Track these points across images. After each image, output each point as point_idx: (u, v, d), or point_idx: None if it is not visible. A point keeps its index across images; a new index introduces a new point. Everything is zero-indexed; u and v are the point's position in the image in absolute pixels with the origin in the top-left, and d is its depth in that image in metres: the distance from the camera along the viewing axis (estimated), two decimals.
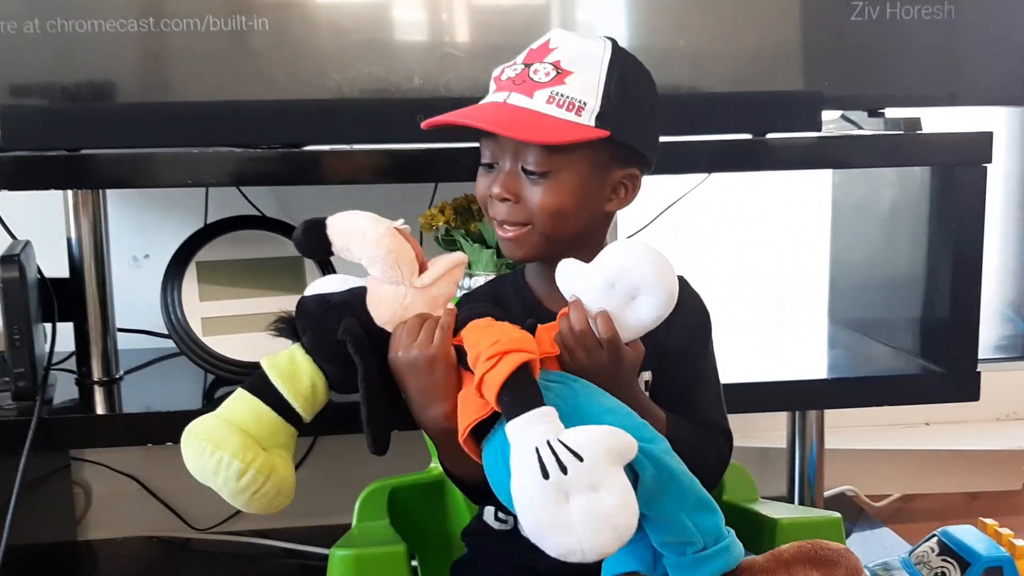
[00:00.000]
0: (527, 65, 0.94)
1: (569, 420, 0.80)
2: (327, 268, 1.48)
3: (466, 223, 1.46)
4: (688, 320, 0.97)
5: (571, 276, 0.89)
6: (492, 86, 0.98)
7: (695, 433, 0.97)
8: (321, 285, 0.96)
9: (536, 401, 0.79)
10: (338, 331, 0.90)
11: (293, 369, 0.90)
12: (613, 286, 0.87)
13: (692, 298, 1.01)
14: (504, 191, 0.95)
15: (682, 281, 0.99)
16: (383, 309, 0.91)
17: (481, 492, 0.89)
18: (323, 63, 1.38)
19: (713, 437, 0.99)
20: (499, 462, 0.81)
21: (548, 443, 0.76)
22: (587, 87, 0.93)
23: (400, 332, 0.91)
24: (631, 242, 0.91)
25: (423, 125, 0.99)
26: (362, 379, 0.89)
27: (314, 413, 0.92)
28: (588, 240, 0.98)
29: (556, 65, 0.93)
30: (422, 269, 0.94)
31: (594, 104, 0.93)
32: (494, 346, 0.82)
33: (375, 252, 0.90)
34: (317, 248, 0.94)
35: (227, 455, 0.85)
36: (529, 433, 0.78)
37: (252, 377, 0.92)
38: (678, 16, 1.43)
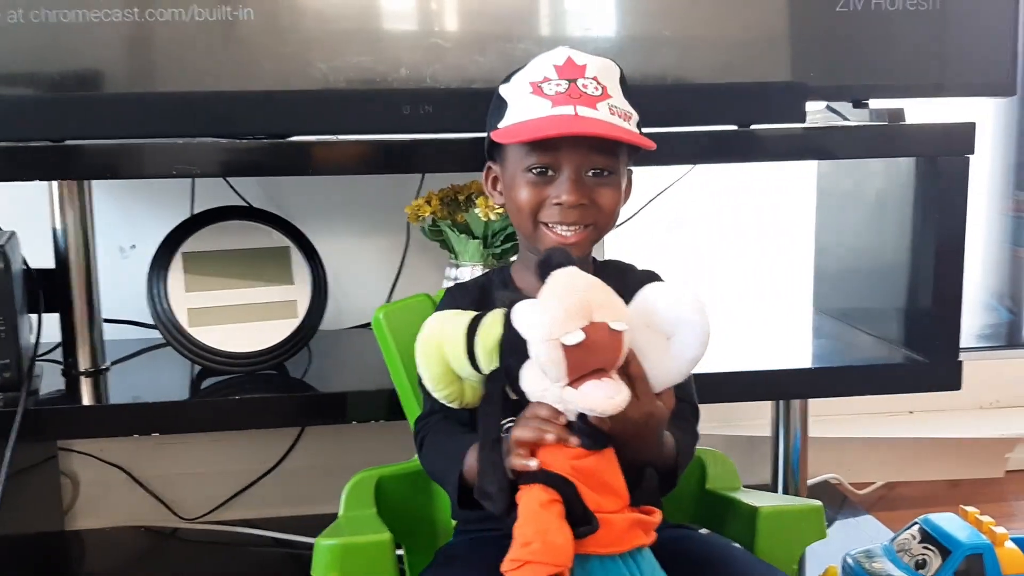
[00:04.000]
0: (571, 80, 1.01)
1: None
2: (316, 264, 1.49)
3: (453, 213, 1.46)
4: None
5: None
6: (537, 101, 1.02)
7: (689, 437, 1.03)
8: (524, 306, 0.92)
9: None
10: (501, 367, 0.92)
11: (494, 348, 0.93)
12: (647, 326, 0.91)
13: None
14: (581, 197, 1.01)
15: (652, 274, 1.10)
16: (527, 382, 0.91)
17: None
18: (309, 53, 1.37)
19: (693, 423, 1.05)
20: None
21: None
22: (622, 99, 1.04)
23: (526, 423, 0.90)
24: (661, 284, 0.97)
25: (502, 139, 1.04)
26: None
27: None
28: None
29: (596, 80, 1.02)
30: (586, 378, 0.89)
31: (634, 114, 1.05)
32: (523, 549, 0.83)
33: (532, 349, 0.89)
34: (539, 279, 0.92)
35: (427, 375, 0.96)
36: None
37: (477, 322, 0.94)
38: (663, 6, 1.43)
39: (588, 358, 0.87)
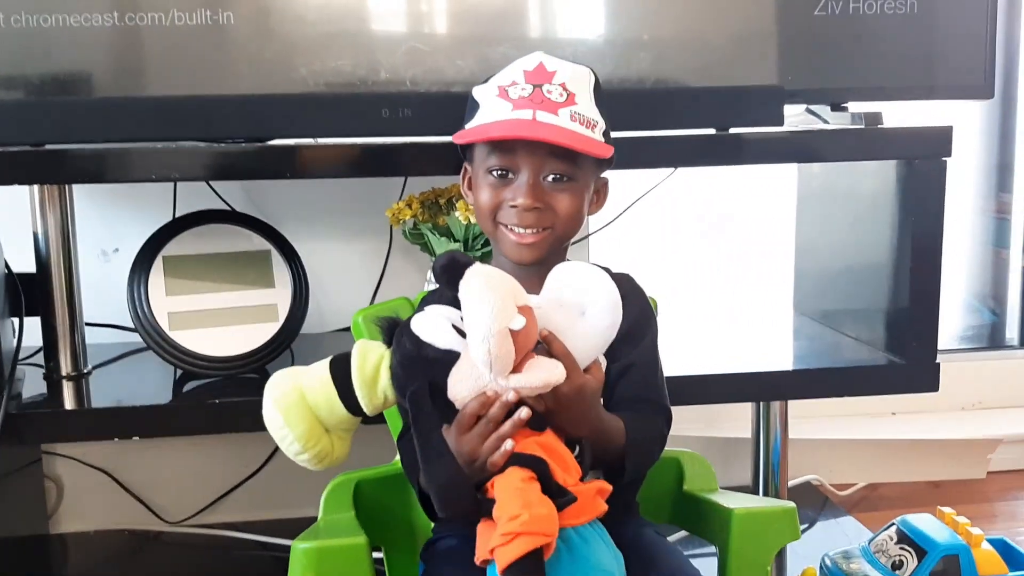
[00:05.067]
0: (537, 85, 1.03)
1: None
2: (297, 267, 1.49)
3: (434, 217, 1.47)
4: (632, 311, 1.02)
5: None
6: (501, 104, 1.04)
7: (643, 425, 1.03)
8: (431, 321, 0.94)
9: None
10: (412, 386, 0.92)
11: (374, 378, 0.94)
12: (560, 304, 0.94)
13: (635, 291, 1.10)
14: (535, 201, 1.02)
15: (627, 277, 1.10)
16: (460, 387, 0.91)
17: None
18: (290, 57, 1.38)
19: (654, 420, 1.05)
20: None
21: None
22: (590, 107, 1.05)
23: (463, 421, 0.92)
24: (571, 264, 1.00)
25: (457, 140, 1.07)
26: (418, 446, 0.93)
27: (378, 412, 0.99)
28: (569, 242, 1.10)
29: (563, 87, 1.03)
30: (519, 366, 0.90)
31: (600, 122, 1.05)
32: (512, 522, 0.84)
33: (478, 347, 0.88)
34: (447, 285, 0.93)
35: (292, 435, 0.95)
36: None
37: (340, 361, 0.95)
38: (642, 10, 1.44)
39: (525, 341, 0.89)
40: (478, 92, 1.08)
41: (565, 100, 1.02)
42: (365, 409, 0.96)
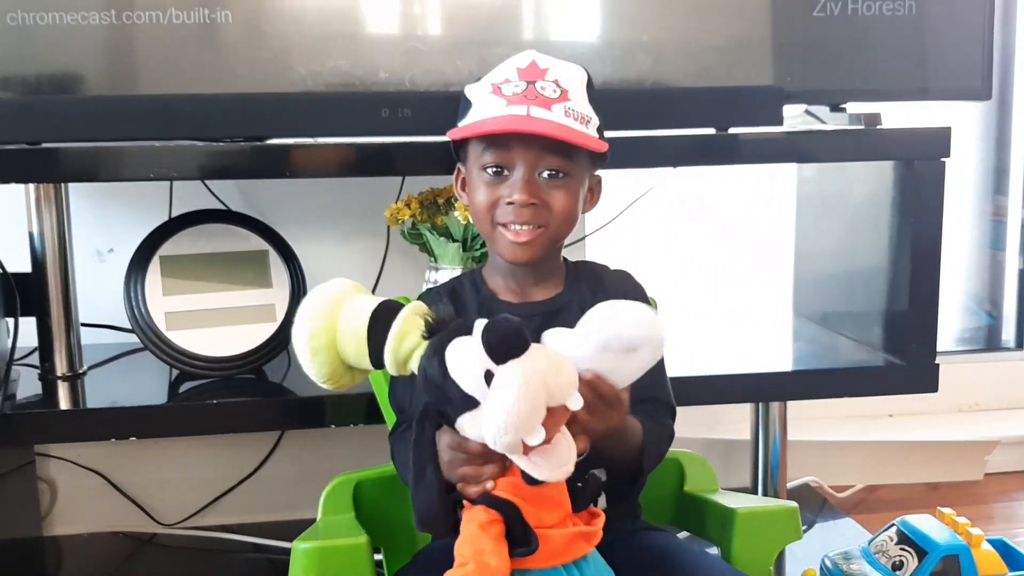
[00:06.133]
0: (530, 82, 1.02)
1: None
2: (294, 267, 1.48)
3: (432, 217, 1.46)
4: None
5: (562, 344, 0.89)
6: (495, 100, 1.03)
7: (656, 426, 1.03)
8: (464, 359, 0.85)
9: None
10: (427, 404, 0.89)
11: (405, 360, 0.89)
12: (606, 348, 0.89)
13: (635, 288, 1.11)
14: (531, 196, 1.02)
15: (625, 274, 1.11)
16: (469, 431, 0.86)
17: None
18: (288, 56, 1.37)
19: (664, 418, 1.06)
20: None
21: None
22: (583, 104, 1.04)
23: (458, 446, 0.88)
24: (616, 304, 0.91)
25: (452, 136, 1.06)
26: (411, 462, 0.91)
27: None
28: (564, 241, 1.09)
29: (556, 83, 1.03)
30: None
31: (594, 118, 1.05)
32: (458, 570, 0.84)
33: (490, 436, 0.83)
34: (496, 357, 0.85)
35: (316, 372, 0.91)
36: None
37: (379, 323, 0.89)
38: (642, 11, 1.44)
39: (550, 427, 0.84)
40: (471, 91, 1.08)
41: (558, 96, 1.02)
42: (390, 367, 0.90)
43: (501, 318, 0.85)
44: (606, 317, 0.89)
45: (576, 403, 0.84)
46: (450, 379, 0.84)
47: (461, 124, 1.07)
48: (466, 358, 0.84)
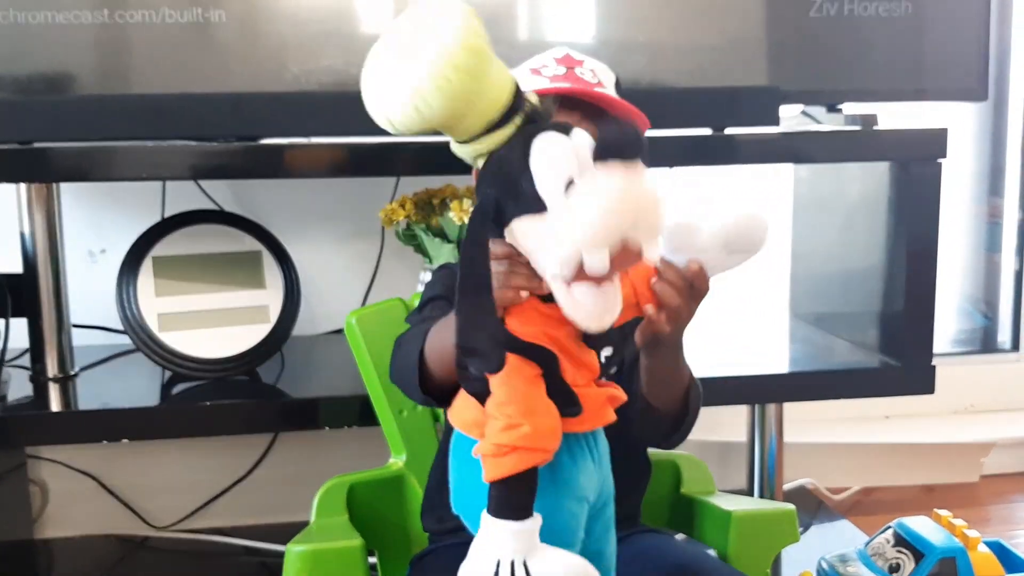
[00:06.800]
0: (569, 68, 0.99)
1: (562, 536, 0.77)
2: (288, 268, 1.47)
3: (427, 217, 1.45)
4: None
5: (687, 234, 0.84)
6: (536, 79, 0.98)
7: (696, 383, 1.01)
8: (555, 156, 0.74)
9: (525, 511, 0.74)
10: (489, 191, 0.76)
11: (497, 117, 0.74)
12: (727, 247, 0.85)
13: None
14: None
15: None
16: (520, 239, 0.75)
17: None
18: (282, 55, 1.37)
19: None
20: (469, 468, 0.79)
21: (512, 563, 0.72)
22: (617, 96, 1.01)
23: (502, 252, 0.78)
24: (755, 208, 0.86)
25: (551, 91, 0.96)
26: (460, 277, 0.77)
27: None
28: None
29: (594, 73, 1.00)
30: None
31: None
32: (509, 432, 0.73)
33: (562, 246, 0.72)
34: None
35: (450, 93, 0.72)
36: (500, 542, 0.73)
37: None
38: (638, 11, 1.43)
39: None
40: None
41: (597, 84, 0.99)
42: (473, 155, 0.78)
43: (621, 121, 0.75)
44: (745, 217, 0.84)
45: (653, 252, 0.73)
46: (528, 172, 0.73)
47: None
48: (555, 154, 0.73)
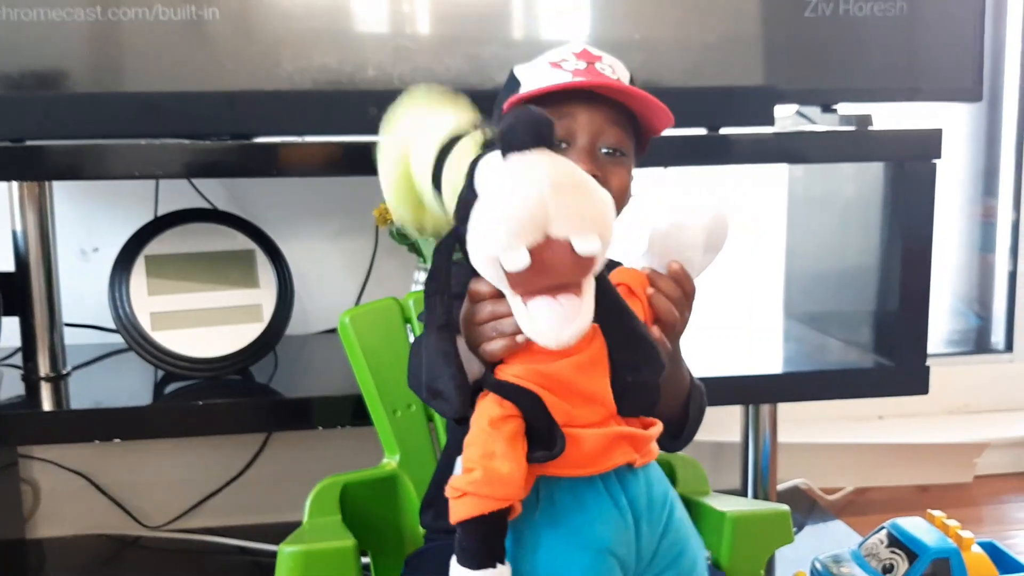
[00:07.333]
0: (589, 63, 0.97)
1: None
2: (282, 267, 1.47)
3: None
4: None
5: (673, 237, 0.85)
6: (557, 72, 0.96)
7: (697, 384, 1.02)
8: (491, 161, 0.73)
9: (486, 558, 0.70)
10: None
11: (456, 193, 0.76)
12: (705, 246, 0.86)
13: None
14: (595, 168, 0.92)
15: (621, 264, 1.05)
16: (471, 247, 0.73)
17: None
18: (276, 53, 1.36)
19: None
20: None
21: None
22: None
23: (477, 293, 0.77)
24: (720, 206, 0.87)
25: (568, 84, 0.95)
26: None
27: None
28: None
29: (612, 68, 0.98)
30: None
31: None
32: (464, 476, 0.70)
33: (474, 260, 0.71)
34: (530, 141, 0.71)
35: (392, 195, 0.85)
36: None
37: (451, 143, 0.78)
38: (633, 10, 1.43)
39: (537, 279, 0.69)
40: (521, 71, 1.02)
41: (618, 80, 0.97)
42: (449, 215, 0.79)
43: (529, 107, 0.71)
44: (718, 216, 0.86)
45: (587, 246, 0.67)
46: (474, 190, 0.71)
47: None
48: (489, 163, 0.71)
